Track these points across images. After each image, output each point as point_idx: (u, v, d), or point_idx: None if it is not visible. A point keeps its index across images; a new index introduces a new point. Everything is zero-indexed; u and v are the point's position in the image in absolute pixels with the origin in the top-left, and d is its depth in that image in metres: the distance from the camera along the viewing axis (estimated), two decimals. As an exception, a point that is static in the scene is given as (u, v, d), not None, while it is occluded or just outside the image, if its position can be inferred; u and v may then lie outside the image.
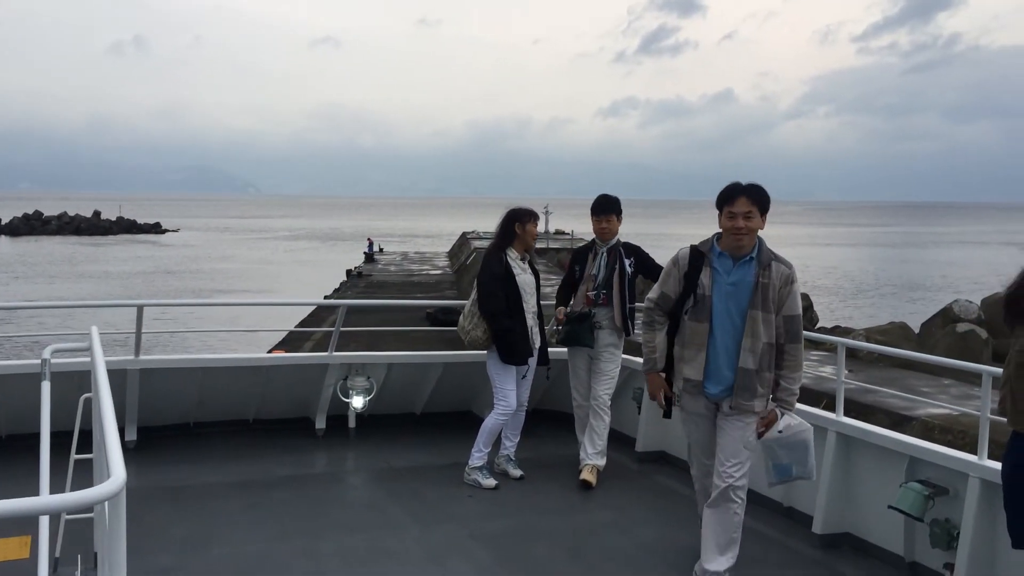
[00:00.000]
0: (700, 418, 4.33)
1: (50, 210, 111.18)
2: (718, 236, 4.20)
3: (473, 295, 5.97)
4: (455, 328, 6.11)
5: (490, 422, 5.92)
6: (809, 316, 33.29)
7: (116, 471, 1.93)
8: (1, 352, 24.56)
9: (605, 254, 6.07)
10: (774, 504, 5.50)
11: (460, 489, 5.79)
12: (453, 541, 4.90)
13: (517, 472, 6.03)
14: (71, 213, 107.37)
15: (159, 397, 6.52)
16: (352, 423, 7.04)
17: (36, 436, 3.29)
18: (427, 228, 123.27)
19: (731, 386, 4.16)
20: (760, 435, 4.21)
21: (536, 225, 6.09)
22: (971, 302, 28.52)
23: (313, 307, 27.11)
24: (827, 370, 15.25)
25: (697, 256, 4.20)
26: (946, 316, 26.12)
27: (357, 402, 6.89)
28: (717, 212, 4.15)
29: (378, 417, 7.21)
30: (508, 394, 5.91)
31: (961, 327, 22.88)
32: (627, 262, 6.05)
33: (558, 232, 59.75)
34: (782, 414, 4.20)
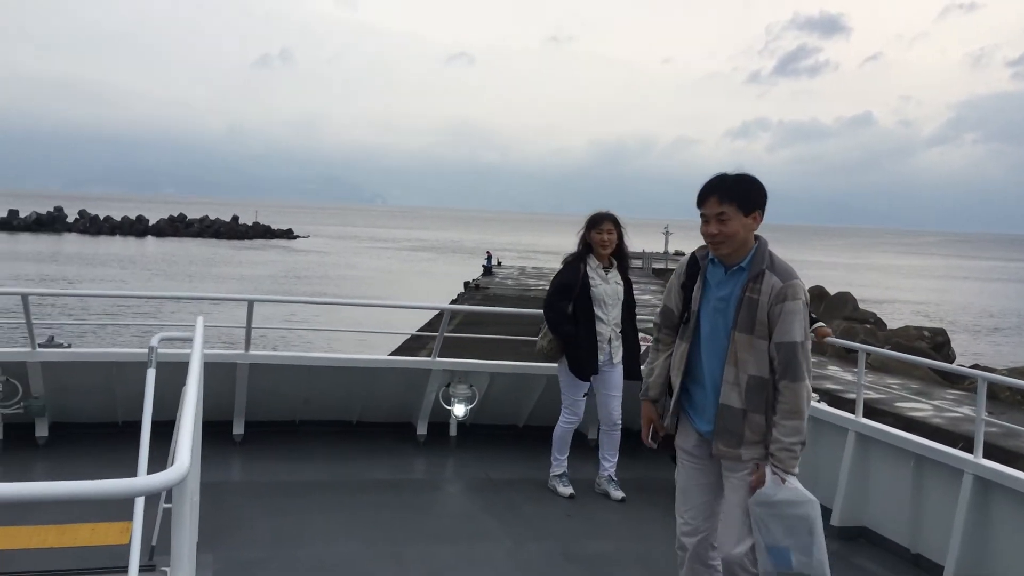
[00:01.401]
0: (687, 457, 3.56)
1: (192, 213, 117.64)
2: None
3: None
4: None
5: (557, 430, 5.94)
6: (945, 353, 31.36)
7: (181, 459, 1.92)
8: (122, 340, 26.16)
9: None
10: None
11: (558, 506, 5.60)
12: (546, 559, 4.72)
13: (619, 494, 5.79)
14: (212, 217, 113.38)
15: (267, 393, 6.63)
16: (453, 431, 6.96)
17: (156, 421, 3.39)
18: (546, 244, 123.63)
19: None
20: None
21: (604, 232, 5.72)
22: None
23: (426, 311, 27.18)
24: (964, 410, 14.18)
25: (694, 264, 3.52)
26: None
27: (458, 410, 6.81)
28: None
29: (480, 426, 7.12)
30: (575, 404, 5.87)
31: (1120, 372, 20.98)
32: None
33: (677, 253, 58.85)
34: (774, 473, 3.24)
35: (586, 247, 5.78)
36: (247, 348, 6.39)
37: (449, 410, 6.86)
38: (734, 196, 3.29)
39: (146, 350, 4.24)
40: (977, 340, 41.98)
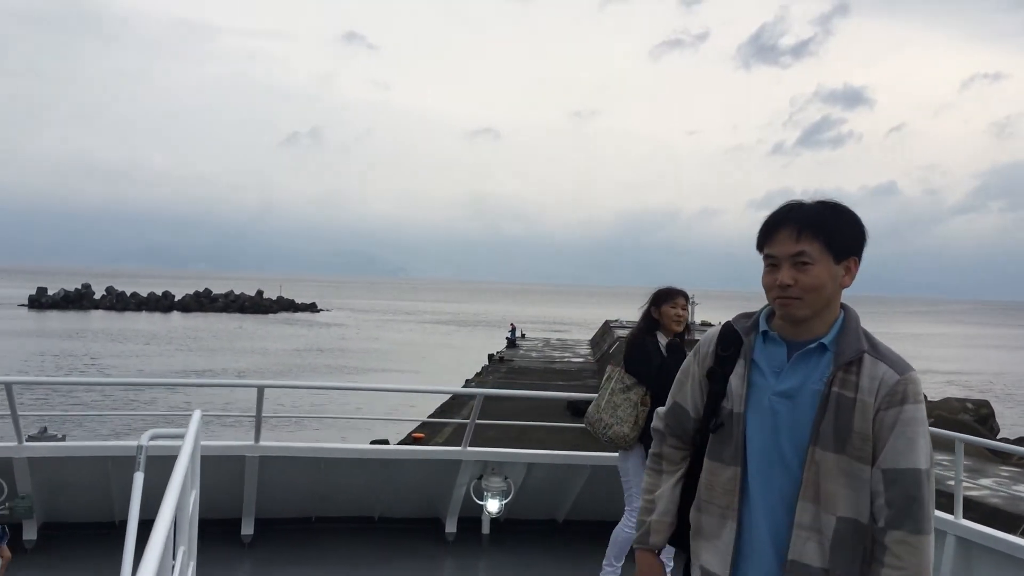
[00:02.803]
0: None
1: (218, 288, 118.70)
2: (770, 308, 2.33)
3: (611, 384, 5.06)
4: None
5: (619, 532, 5.05)
6: (990, 425, 30.07)
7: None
8: (122, 429, 24.54)
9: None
10: None
11: None
12: None
13: None
14: (236, 292, 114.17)
15: (279, 488, 5.99)
16: (486, 528, 6.26)
17: (151, 524, 2.85)
18: (570, 316, 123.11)
19: None
20: None
21: (676, 306, 5.11)
22: None
23: (449, 395, 25.24)
24: (1022, 488, 13.20)
25: (731, 338, 2.33)
26: None
27: (492, 505, 6.12)
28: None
29: (515, 522, 6.41)
30: None
31: None
32: None
33: (704, 323, 58.05)
34: None
35: (652, 323, 5.12)
36: (257, 439, 5.79)
37: (481, 505, 6.17)
38: (821, 231, 2.16)
39: (142, 445, 3.66)
40: (1016, 410, 40.49)
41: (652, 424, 2.54)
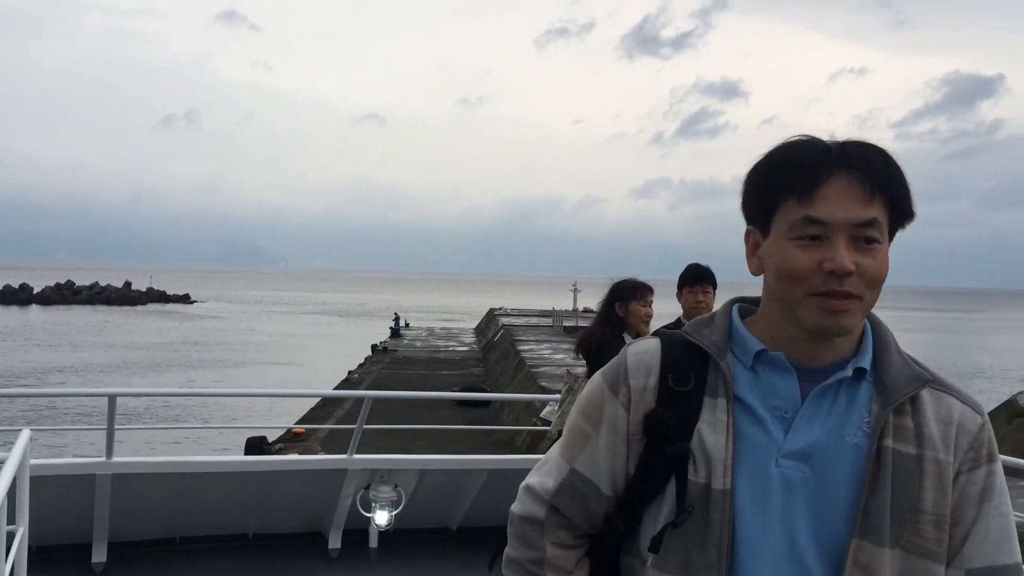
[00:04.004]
0: None
1: (82, 280, 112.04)
2: (742, 307, 1.50)
3: (569, 395, 4.55)
4: (492, 423, 4.84)
5: None
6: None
7: None
8: None
9: None
10: None
11: None
12: None
13: None
14: (102, 283, 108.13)
15: (137, 506, 5.30)
16: (373, 542, 5.75)
17: None
18: (455, 304, 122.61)
19: None
20: None
21: (646, 304, 4.61)
22: (1035, 393, 26.80)
23: (334, 392, 22.72)
24: None
25: (688, 362, 1.44)
26: (1011, 410, 24.39)
27: (381, 518, 5.61)
28: (757, 232, 1.40)
29: (406, 531, 5.92)
30: None
31: (1034, 422, 21.23)
32: None
33: (587, 310, 58.88)
34: None
35: (617, 322, 4.56)
36: (109, 454, 5.08)
37: (369, 517, 5.66)
38: (892, 191, 1.33)
39: None
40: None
41: (520, 508, 1.49)
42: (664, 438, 1.39)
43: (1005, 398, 27.81)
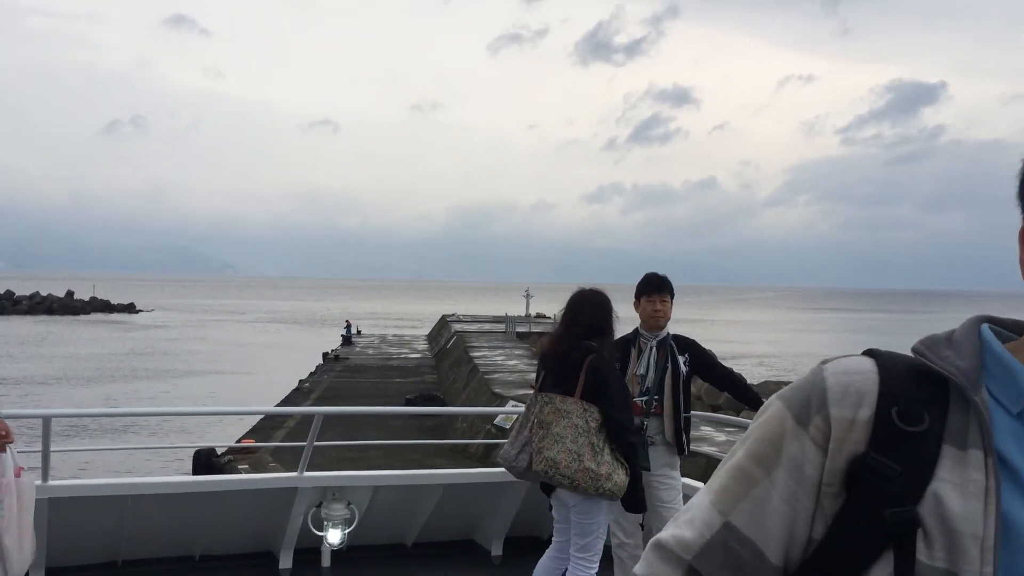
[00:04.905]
0: None
1: (22, 289, 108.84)
2: (994, 329, 1.08)
3: (574, 419, 4.08)
4: (455, 439, 4.73)
5: (554, 570, 4.38)
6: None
7: None
8: None
9: (654, 349, 4.80)
10: None
11: None
12: None
13: None
14: (43, 293, 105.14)
15: (76, 530, 5.08)
16: (326, 561, 5.60)
17: None
18: (407, 311, 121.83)
19: None
20: None
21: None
22: (978, 393, 27.55)
23: (281, 410, 21.48)
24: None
25: (924, 397, 1.02)
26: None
27: (333, 536, 5.46)
28: None
29: (360, 548, 5.78)
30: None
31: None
32: (681, 359, 4.78)
33: (539, 315, 58.79)
34: None
35: (603, 334, 4.38)
36: (44, 477, 4.85)
37: (321, 536, 5.50)
38: None
39: None
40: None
41: (646, 570, 1.13)
42: (879, 496, 0.98)
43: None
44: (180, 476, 6.12)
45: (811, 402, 1.04)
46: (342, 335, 60.10)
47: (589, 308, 4.33)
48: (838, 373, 1.05)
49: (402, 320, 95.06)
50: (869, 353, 1.08)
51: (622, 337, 4.95)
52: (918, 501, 0.97)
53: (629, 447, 4.08)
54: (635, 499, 4.17)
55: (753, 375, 41.50)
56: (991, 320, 1.08)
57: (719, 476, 1.10)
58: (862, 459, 1.00)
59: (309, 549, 5.61)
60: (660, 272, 4.92)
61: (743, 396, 4.91)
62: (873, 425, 1.01)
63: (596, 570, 4.30)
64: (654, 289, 4.81)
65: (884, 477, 0.98)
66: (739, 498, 1.05)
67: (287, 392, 33.23)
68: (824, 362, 1.08)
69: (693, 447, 5.07)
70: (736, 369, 5.17)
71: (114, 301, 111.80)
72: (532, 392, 4.38)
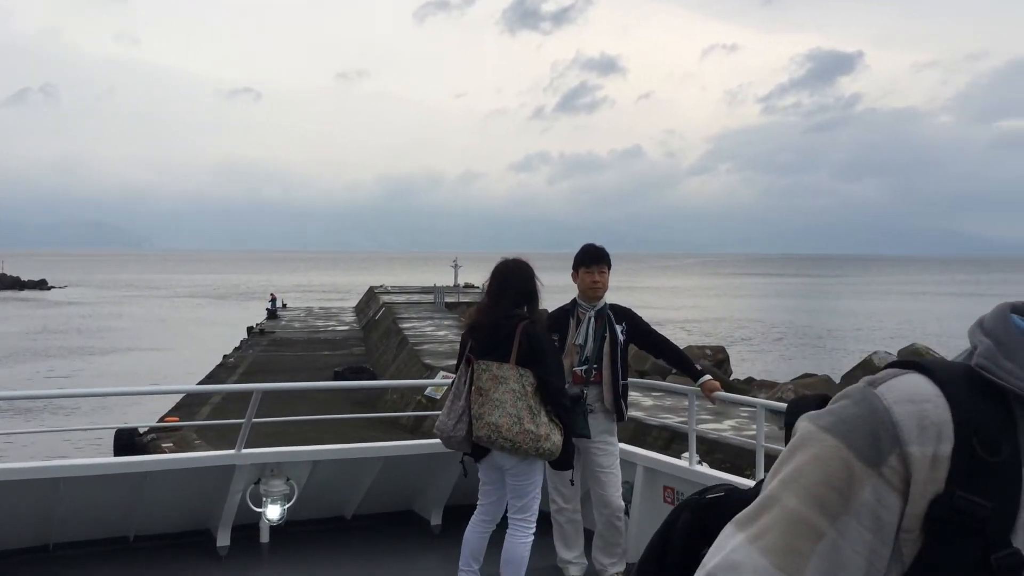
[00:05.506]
0: None
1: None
2: None
3: (512, 384, 4.18)
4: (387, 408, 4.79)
5: (525, 550, 4.40)
6: (725, 368, 33.01)
7: None
8: None
9: (592, 319, 4.92)
10: None
11: None
12: None
13: None
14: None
15: (4, 514, 4.97)
16: (265, 537, 5.61)
17: None
18: (333, 283, 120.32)
19: None
20: None
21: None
22: (890, 353, 28.76)
23: (221, 388, 21.12)
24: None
25: (992, 414, 0.91)
26: (867, 368, 26.12)
27: (272, 512, 5.47)
28: None
29: (298, 523, 5.80)
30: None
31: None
32: (618, 328, 4.92)
33: (468, 285, 58.93)
34: None
35: (527, 301, 4.47)
36: None
37: (260, 512, 5.50)
38: None
39: None
40: (755, 354, 44.99)
41: None
42: (974, 538, 0.87)
43: (862, 358, 29.74)
44: (115, 457, 6.02)
45: (880, 439, 0.90)
46: (267, 308, 59.09)
47: (515, 278, 4.44)
48: (904, 402, 0.91)
49: (329, 292, 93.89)
50: (919, 368, 0.93)
51: (560, 308, 5.08)
52: (1012, 537, 0.88)
53: (564, 409, 4.25)
54: (565, 459, 4.33)
55: (676, 339, 42.34)
56: (1016, 309, 0.97)
57: (771, 529, 0.91)
58: (947, 499, 0.88)
59: (247, 526, 5.60)
60: (597, 243, 5.05)
61: (676, 361, 5.12)
62: (951, 459, 0.89)
63: (534, 530, 4.45)
64: (592, 260, 4.94)
65: (975, 517, 0.87)
66: (806, 556, 0.90)
67: (211, 368, 32.59)
68: (872, 384, 0.94)
69: None
70: (671, 337, 5.39)
71: (24, 277, 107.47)
72: (459, 363, 4.46)
